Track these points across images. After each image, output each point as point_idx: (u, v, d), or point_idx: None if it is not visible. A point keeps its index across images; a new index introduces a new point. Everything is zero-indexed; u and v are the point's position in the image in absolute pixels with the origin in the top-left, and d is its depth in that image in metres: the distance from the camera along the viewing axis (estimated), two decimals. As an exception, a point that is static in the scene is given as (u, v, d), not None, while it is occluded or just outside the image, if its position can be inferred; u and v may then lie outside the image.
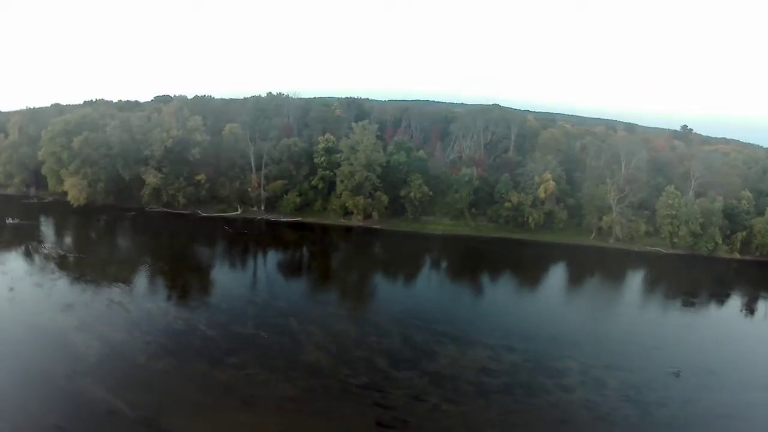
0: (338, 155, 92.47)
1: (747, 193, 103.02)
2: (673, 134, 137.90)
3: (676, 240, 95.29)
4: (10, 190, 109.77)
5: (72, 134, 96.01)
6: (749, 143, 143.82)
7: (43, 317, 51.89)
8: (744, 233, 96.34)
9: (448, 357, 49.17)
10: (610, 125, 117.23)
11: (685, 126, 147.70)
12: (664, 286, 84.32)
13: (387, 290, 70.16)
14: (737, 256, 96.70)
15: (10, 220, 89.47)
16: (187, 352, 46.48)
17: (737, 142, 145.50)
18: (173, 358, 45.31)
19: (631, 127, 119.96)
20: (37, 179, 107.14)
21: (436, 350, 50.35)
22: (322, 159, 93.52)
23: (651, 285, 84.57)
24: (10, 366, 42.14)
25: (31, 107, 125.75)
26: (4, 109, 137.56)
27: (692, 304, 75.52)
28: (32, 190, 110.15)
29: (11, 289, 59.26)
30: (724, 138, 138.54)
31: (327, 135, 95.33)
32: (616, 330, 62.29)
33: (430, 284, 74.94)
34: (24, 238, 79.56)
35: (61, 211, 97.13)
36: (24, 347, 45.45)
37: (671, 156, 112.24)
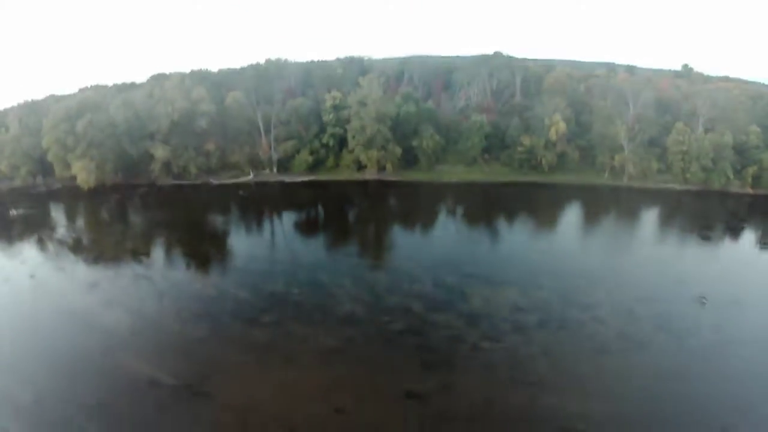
0: (346, 111, 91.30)
1: (755, 128, 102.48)
2: (675, 74, 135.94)
3: (688, 176, 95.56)
4: (17, 182, 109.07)
5: (74, 118, 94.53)
6: (751, 81, 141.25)
7: (70, 298, 51.81)
8: (755, 167, 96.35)
9: (481, 297, 49.58)
10: (610, 68, 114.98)
11: (686, 65, 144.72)
12: (681, 221, 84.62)
13: (411, 239, 70.57)
14: (750, 190, 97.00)
15: (14, 212, 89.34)
16: (221, 316, 46.58)
17: (738, 79, 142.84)
18: (208, 322, 45.39)
19: (631, 69, 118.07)
20: (44, 168, 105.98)
21: (468, 292, 50.71)
22: (331, 116, 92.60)
23: (668, 220, 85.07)
24: (44, 349, 42.20)
25: (29, 100, 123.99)
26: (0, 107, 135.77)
27: (709, 238, 75.89)
28: (39, 179, 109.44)
29: (32, 276, 58.47)
30: (726, 76, 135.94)
31: (333, 92, 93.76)
32: (640, 264, 62.36)
33: (452, 231, 74.92)
34: (35, 227, 79.17)
35: (70, 195, 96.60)
36: (55, 329, 45.50)
37: (676, 94, 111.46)
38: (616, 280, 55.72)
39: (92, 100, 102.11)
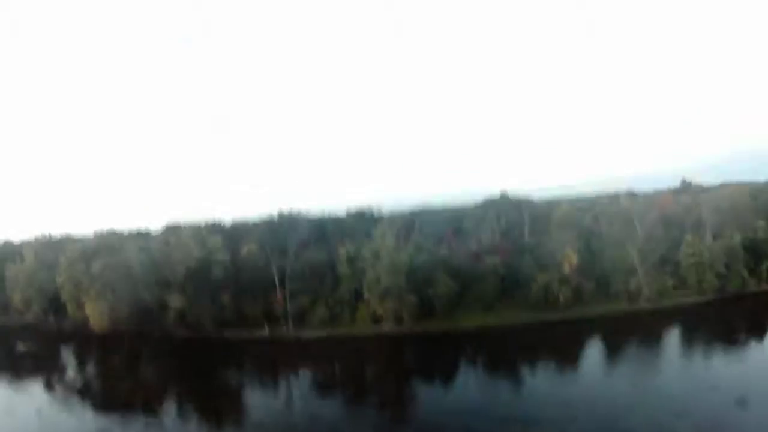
0: (360, 263, 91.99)
1: (762, 223, 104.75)
2: (674, 191, 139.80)
3: (704, 285, 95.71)
4: (28, 318, 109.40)
5: (90, 259, 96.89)
6: (746, 182, 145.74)
7: None
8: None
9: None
10: (612, 196, 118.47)
11: (684, 180, 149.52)
12: (704, 333, 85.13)
13: (434, 391, 69.11)
14: (766, 287, 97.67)
15: (22, 347, 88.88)
16: None
17: (735, 182, 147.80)
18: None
19: (632, 194, 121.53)
20: (56, 306, 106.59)
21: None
22: (346, 269, 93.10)
23: (691, 334, 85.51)
24: None
25: (46, 235, 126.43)
26: (15, 240, 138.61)
27: (735, 342, 78.04)
28: (51, 318, 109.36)
29: (39, 411, 59.20)
30: (723, 182, 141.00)
31: (347, 246, 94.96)
32: (672, 380, 62.98)
33: (476, 378, 73.96)
34: (44, 366, 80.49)
35: (82, 338, 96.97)
36: None
37: (679, 209, 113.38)
38: (650, 399, 54.90)
39: (109, 242, 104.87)
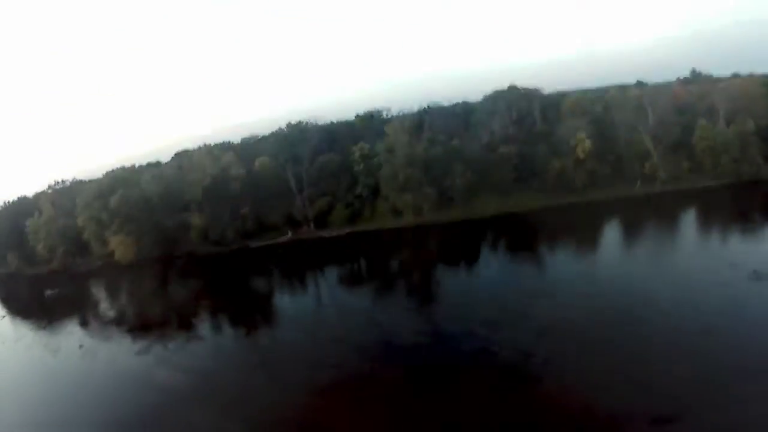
0: (375, 160, 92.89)
1: None
2: (684, 81, 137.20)
3: (719, 170, 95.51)
4: (54, 265, 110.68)
5: (107, 195, 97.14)
6: (759, 73, 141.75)
7: (122, 362, 53.26)
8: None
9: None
10: (621, 88, 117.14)
11: (694, 70, 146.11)
12: (722, 214, 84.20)
13: (460, 276, 69.75)
14: None
15: (49, 292, 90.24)
16: (280, 364, 47.10)
17: (747, 74, 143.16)
18: (266, 371, 45.75)
19: (640, 85, 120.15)
20: (81, 248, 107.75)
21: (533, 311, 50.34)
22: (361, 167, 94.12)
23: (708, 216, 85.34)
24: (105, 407, 43.45)
25: (59, 182, 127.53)
26: (29, 194, 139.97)
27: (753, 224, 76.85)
28: (77, 260, 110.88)
29: (81, 346, 60.19)
30: (735, 73, 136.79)
31: (360, 144, 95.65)
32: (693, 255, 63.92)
33: (501, 261, 75.02)
34: (76, 304, 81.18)
35: (110, 272, 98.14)
36: (115, 388, 46.96)
37: (691, 97, 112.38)
38: (670, 274, 56.14)
39: (122, 176, 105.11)
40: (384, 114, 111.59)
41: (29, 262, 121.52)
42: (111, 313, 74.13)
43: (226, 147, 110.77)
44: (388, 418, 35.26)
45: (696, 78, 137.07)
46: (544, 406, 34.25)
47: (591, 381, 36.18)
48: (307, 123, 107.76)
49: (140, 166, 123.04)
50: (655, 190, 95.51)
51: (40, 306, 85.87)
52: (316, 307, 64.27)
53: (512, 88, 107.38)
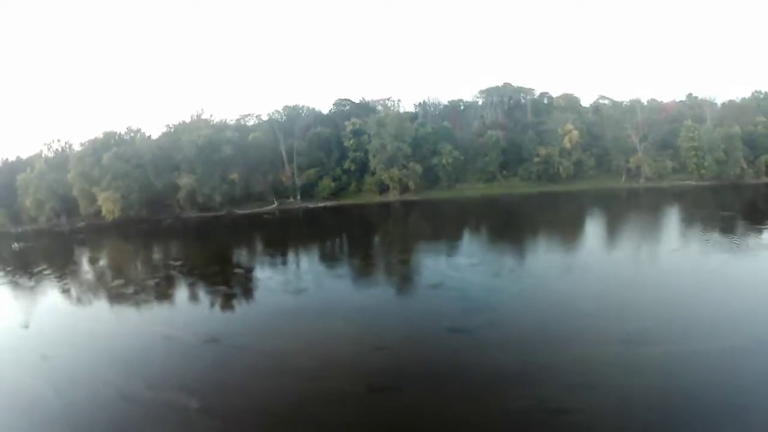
0: (366, 136, 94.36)
1: (762, 119, 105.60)
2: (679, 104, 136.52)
3: (703, 171, 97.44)
4: (41, 222, 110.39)
5: (100, 152, 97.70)
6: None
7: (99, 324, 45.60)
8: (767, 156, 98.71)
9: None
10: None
11: (690, 94, 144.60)
12: (703, 212, 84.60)
13: (437, 250, 66.58)
14: (765, 179, 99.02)
15: (15, 245, 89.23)
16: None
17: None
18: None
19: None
20: (68, 207, 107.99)
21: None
22: (351, 142, 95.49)
23: (689, 212, 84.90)
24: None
25: (53, 141, 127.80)
26: (24, 156, 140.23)
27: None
28: (63, 219, 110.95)
29: (54, 305, 52.49)
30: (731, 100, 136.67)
31: (353, 119, 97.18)
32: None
33: (480, 240, 74.18)
34: (36, 256, 78.49)
35: (90, 232, 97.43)
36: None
37: (682, 109, 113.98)
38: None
39: (117, 134, 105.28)
40: (379, 106, 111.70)
41: (15, 222, 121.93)
42: (90, 274, 68.37)
43: (223, 125, 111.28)
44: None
45: (691, 102, 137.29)
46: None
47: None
48: (304, 106, 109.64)
49: (138, 129, 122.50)
50: (638, 185, 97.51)
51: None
52: (290, 282, 60.01)
53: (506, 85, 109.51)
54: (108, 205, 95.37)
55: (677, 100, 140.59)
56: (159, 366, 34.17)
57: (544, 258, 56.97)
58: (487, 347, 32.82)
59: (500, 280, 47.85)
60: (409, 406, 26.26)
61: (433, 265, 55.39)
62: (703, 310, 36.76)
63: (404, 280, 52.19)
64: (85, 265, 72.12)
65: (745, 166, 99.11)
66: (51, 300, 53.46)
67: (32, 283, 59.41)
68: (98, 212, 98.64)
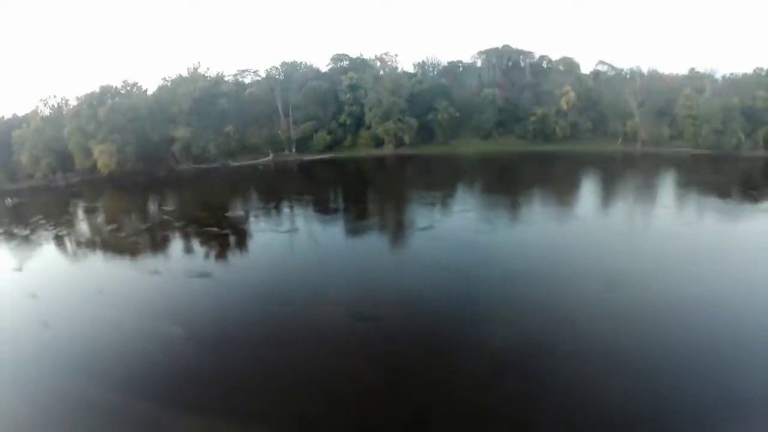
0: (363, 90, 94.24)
1: (762, 93, 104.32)
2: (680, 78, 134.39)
3: (699, 140, 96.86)
4: (37, 178, 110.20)
5: (97, 106, 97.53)
6: None
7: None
8: (766, 128, 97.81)
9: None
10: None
11: (693, 69, 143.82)
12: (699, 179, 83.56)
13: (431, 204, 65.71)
14: (762, 153, 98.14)
15: (9, 200, 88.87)
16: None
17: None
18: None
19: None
20: (64, 164, 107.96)
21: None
22: (348, 96, 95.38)
23: (685, 180, 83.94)
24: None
25: (50, 97, 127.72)
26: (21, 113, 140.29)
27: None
28: (59, 175, 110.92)
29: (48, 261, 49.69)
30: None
31: (350, 73, 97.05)
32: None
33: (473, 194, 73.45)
34: (28, 211, 75.89)
35: (85, 187, 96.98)
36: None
37: (683, 81, 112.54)
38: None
39: (114, 88, 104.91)
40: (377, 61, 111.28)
41: (11, 179, 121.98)
42: (84, 228, 64.67)
43: (219, 79, 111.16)
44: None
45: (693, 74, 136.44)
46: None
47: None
48: (302, 62, 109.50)
49: (134, 83, 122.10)
50: (634, 150, 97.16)
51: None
52: (285, 234, 57.47)
53: (506, 47, 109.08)
54: (104, 158, 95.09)
55: (679, 74, 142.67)
56: (146, 299, 34.32)
57: (535, 209, 57.24)
58: (472, 282, 33.42)
59: (490, 227, 48.16)
60: (391, 335, 26.62)
61: (425, 212, 55.90)
62: (684, 259, 36.93)
63: (396, 223, 52.93)
64: (79, 215, 72.07)
65: (742, 137, 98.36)
66: (43, 246, 53.27)
67: (26, 232, 59.33)
68: (94, 167, 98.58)
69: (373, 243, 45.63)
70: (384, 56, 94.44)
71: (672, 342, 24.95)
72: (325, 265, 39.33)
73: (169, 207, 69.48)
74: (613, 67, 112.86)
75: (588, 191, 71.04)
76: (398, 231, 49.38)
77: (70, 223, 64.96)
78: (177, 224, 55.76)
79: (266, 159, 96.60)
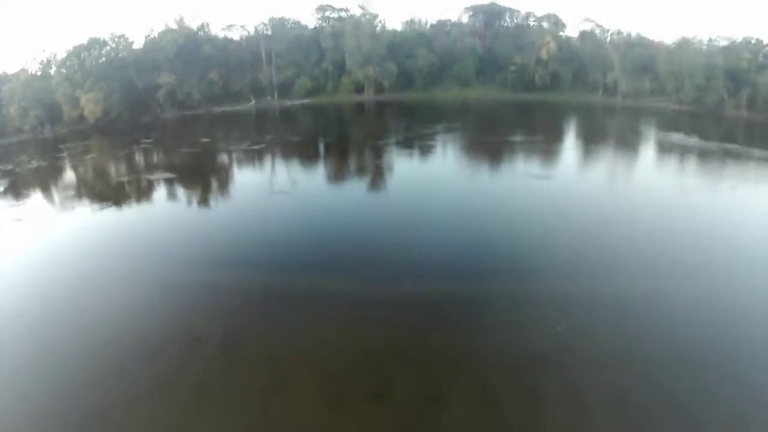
0: (345, 38, 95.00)
1: (746, 55, 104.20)
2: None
3: (681, 95, 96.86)
4: (25, 133, 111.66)
5: (84, 57, 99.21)
6: None
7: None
8: (749, 89, 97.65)
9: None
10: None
11: (684, 37, 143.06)
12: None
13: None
14: (745, 113, 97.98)
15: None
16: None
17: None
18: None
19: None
20: (52, 116, 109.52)
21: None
22: (329, 43, 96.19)
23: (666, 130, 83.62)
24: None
25: (43, 51, 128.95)
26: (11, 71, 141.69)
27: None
28: (47, 128, 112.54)
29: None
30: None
31: (332, 22, 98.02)
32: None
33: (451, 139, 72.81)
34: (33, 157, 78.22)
35: (75, 134, 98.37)
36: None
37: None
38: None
39: (102, 39, 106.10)
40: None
41: (1, 134, 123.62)
42: (71, 178, 63.81)
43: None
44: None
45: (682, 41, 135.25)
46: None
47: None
48: (289, 19, 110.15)
49: (122, 35, 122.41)
50: (615, 102, 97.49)
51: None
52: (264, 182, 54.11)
53: (493, 4, 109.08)
54: (90, 106, 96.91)
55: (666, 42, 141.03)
56: (117, 243, 33.04)
57: (512, 155, 56.43)
58: (444, 225, 32.99)
59: (466, 172, 48.45)
60: (372, 291, 24.89)
61: (400, 157, 56.52)
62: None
63: (375, 169, 51.56)
64: (63, 162, 71.57)
65: (725, 96, 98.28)
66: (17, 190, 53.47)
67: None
68: (81, 117, 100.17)
69: (351, 188, 45.30)
70: (366, 8, 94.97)
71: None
72: (295, 207, 39.01)
73: (147, 140, 70.85)
74: (598, 25, 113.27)
75: (566, 140, 69.99)
76: (376, 175, 47.46)
77: (51, 169, 66.26)
78: (154, 165, 59.22)
79: (249, 105, 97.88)
